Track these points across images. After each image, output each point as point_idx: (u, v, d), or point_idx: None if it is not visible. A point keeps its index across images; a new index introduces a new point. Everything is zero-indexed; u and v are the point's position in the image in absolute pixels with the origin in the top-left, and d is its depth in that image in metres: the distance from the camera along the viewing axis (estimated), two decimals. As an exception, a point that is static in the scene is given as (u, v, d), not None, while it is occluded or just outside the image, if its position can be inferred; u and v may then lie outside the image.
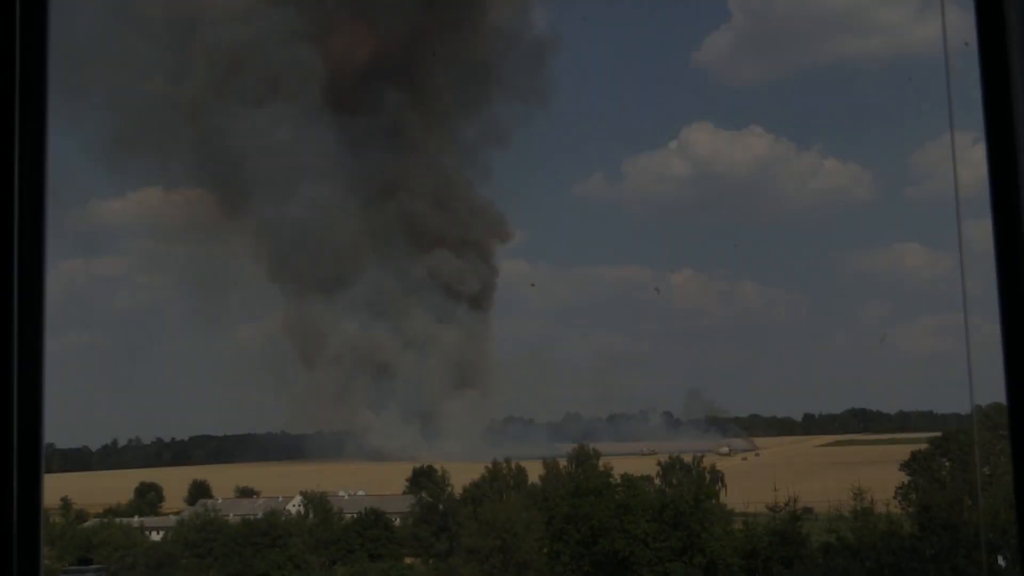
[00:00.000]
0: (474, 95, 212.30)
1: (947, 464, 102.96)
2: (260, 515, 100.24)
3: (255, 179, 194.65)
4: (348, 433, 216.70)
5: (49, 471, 2.99)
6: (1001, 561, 48.17)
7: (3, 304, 2.97)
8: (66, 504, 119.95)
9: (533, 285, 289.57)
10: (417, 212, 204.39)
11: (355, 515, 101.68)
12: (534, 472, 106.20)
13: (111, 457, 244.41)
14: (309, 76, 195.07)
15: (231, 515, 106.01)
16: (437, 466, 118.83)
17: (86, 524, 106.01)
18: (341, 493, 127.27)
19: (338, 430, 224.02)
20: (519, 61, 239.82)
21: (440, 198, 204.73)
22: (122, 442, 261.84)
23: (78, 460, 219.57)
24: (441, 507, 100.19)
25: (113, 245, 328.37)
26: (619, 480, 62.13)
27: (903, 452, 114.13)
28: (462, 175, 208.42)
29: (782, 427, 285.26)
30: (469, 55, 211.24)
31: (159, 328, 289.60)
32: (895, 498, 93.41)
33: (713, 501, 70.05)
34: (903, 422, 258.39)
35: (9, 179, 3.06)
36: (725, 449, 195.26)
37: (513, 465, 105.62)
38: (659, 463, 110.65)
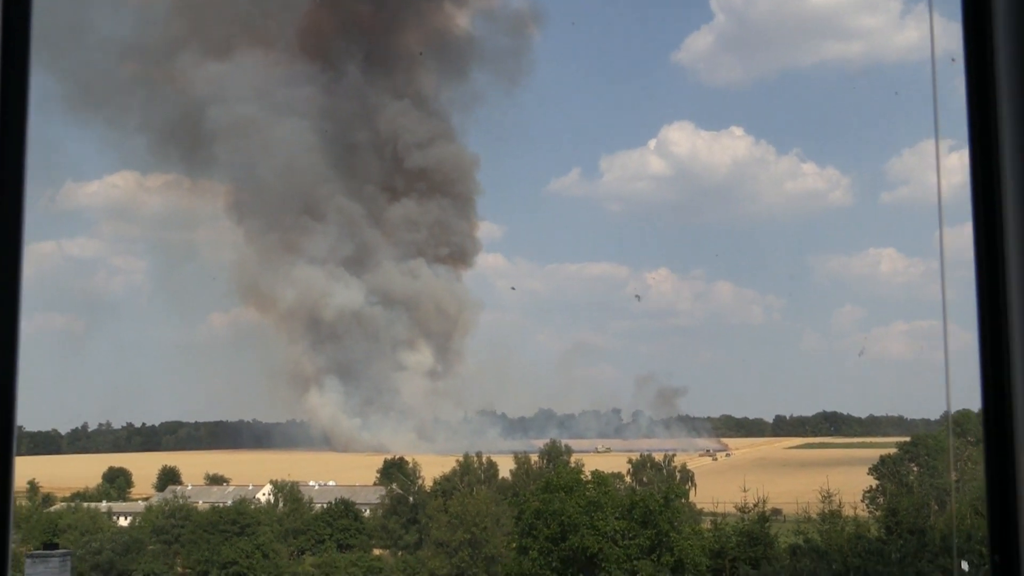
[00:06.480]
0: (449, 65, 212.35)
1: (915, 469, 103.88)
2: (229, 503, 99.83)
3: (223, 128, 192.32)
4: (309, 422, 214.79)
5: (17, 454, 2.95)
6: (964, 566, 48.61)
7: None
8: (33, 487, 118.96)
9: (513, 288, 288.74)
10: (384, 166, 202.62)
11: (325, 505, 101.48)
12: (505, 466, 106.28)
13: (80, 441, 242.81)
14: (285, 25, 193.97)
15: (200, 502, 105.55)
16: (408, 458, 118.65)
17: (53, 508, 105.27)
18: (311, 483, 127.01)
19: (301, 417, 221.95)
20: (498, 38, 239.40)
21: (408, 154, 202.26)
22: (92, 426, 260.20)
23: (47, 443, 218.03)
24: (411, 499, 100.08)
25: (87, 228, 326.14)
26: (590, 477, 62.14)
27: (872, 456, 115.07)
28: (432, 129, 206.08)
29: (753, 428, 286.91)
30: (448, 25, 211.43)
31: (132, 312, 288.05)
32: (863, 501, 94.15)
33: (683, 500, 70.32)
34: (873, 426, 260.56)
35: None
36: (704, 450, 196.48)
37: (484, 459, 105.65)
38: (630, 461, 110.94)
